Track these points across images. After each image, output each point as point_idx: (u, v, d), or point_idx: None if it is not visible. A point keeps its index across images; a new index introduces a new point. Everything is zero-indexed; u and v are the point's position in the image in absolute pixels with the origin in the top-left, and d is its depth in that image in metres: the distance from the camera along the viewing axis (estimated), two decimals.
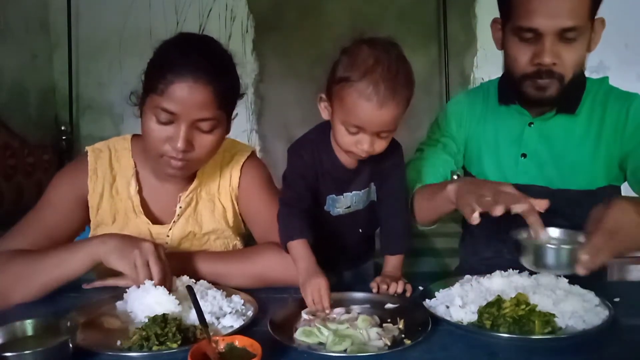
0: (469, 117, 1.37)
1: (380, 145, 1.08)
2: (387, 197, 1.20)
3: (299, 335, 0.87)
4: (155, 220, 1.20)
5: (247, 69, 3.51)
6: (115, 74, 3.36)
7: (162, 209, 1.21)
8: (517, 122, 1.28)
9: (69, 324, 0.83)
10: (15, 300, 1.04)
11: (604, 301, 0.93)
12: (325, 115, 1.14)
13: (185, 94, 1.02)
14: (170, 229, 1.20)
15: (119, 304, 0.98)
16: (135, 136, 1.24)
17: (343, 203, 1.20)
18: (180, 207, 1.19)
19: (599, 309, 0.91)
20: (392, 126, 1.05)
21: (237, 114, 1.14)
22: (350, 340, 0.83)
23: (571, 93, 1.20)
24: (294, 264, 1.05)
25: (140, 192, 1.19)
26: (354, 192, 1.19)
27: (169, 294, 0.94)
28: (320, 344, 0.84)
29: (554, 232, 0.98)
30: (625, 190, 1.27)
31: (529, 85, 1.17)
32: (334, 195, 1.19)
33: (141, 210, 1.18)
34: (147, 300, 0.92)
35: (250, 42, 3.50)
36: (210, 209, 1.22)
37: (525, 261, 0.95)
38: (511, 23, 1.16)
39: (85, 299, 1.04)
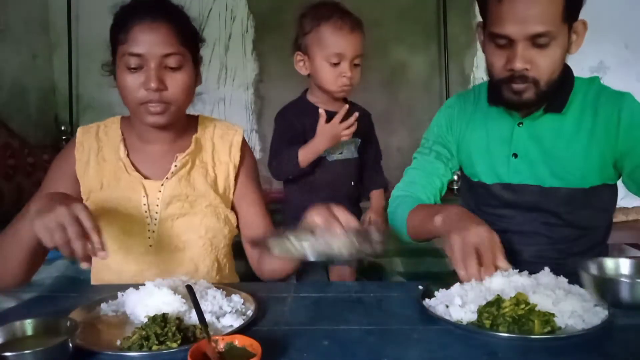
0: (459, 120, 1.38)
1: (356, 74, 1.39)
2: (365, 151, 1.56)
3: (273, 244, 0.90)
4: (144, 177, 1.23)
5: (247, 69, 3.52)
6: None
7: (151, 169, 1.23)
8: (506, 123, 1.29)
9: (69, 324, 0.83)
10: (8, 281, 1.08)
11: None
12: (303, 70, 1.42)
13: (147, 33, 1.11)
14: (162, 184, 1.21)
15: (120, 303, 0.98)
16: (124, 117, 1.30)
17: (336, 148, 1.44)
18: (176, 166, 1.22)
19: (598, 309, 0.91)
20: (361, 50, 1.37)
21: (201, 56, 1.24)
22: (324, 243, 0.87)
23: (558, 93, 1.21)
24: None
25: (128, 156, 1.23)
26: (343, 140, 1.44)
27: (174, 293, 0.93)
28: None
29: (624, 264, 0.97)
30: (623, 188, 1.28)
31: (505, 90, 1.18)
32: None
33: (132, 167, 1.21)
34: (151, 301, 0.92)
35: (250, 42, 3.51)
36: (203, 175, 1.25)
37: (598, 296, 0.93)
38: (487, 29, 1.17)
39: (85, 299, 1.04)
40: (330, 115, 1.42)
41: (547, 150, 1.25)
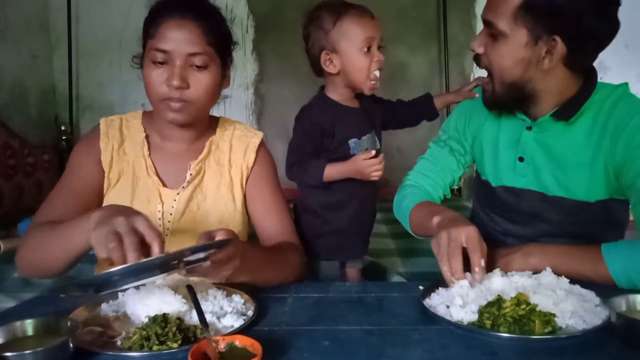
0: (479, 114, 1.35)
1: (383, 57, 1.41)
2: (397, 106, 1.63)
3: None
4: (162, 184, 1.22)
5: (247, 69, 3.52)
6: (115, 74, 3.36)
7: (168, 174, 1.23)
8: (516, 125, 1.26)
9: (69, 324, 0.83)
10: (44, 272, 1.09)
11: (604, 301, 0.93)
12: (331, 68, 1.40)
13: (175, 31, 1.11)
14: (178, 194, 1.21)
15: (120, 304, 0.98)
16: (145, 111, 1.30)
17: (362, 145, 1.44)
18: (191, 174, 1.21)
19: (599, 309, 0.91)
20: (381, 33, 1.41)
21: (232, 59, 1.25)
22: None
23: (569, 101, 1.16)
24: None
25: (149, 155, 1.23)
26: (367, 134, 1.45)
27: (175, 293, 0.94)
28: None
29: None
30: None
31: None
32: (356, 139, 1.43)
33: (155, 171, 1.21)
34: (152, 301, 0.92)
35: (250, 42, 3.51)
36: (218, 181, 1.25)
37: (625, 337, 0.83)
38: None
39: (85, 299, 1.03)
40: (348, 111, 1.45)
41: (554, 158, 1.21)
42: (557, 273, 1.02)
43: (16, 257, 1.12)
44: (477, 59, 1.20)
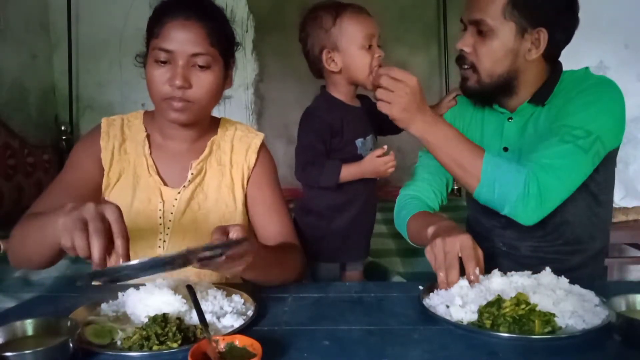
0: (461, 117, 1.41)
1: (383, 53, 1.41)
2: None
3: None
4: (163, 183, 1.23)
5: (247, 69, 3.52)
6: (115, 74, 3.36)
7: (169, 173, 1.23)
8: (498, 118, 1.33)
9: (69, 324, 0.83)
10: (29, 264, 1.09)
11: (604, 301, 0.93)
12: (333, 66, 1.40)
13: (178, 31, 1.12)
14: (179, 192, 1.21)
15: (120, 304, 0.98)
16: (146, 111, 1.30)
17: (367, 145, 1.46)
18: (192, 174, 1.22)
19: (599, 309, 0.91)
20: (379, 31, 1.42)
21: (234, 60, 1.28)
22: None
23: (542, 87, 1.26)
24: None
25: (150, 155, 1.23)
26: (370, 135, 1.47)
27: (175, 293, 0.94)
28: None
29: None
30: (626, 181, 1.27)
31: (461, 74, 1.30)
32: (362, 139, 1.44)
33: (155, 170, 1.21)
34: (152, 301, 0.92)
35: (250, 42, 3.51)
36: (219, 180, 1.25)
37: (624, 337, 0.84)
38: None
39: (86, 299, 1.04)
40: (353, 111, 1.45)
41: (533, 142, 1.25)
42: (439, 155, 1.19)
43: (8, 248, 1.11)
44: (461, 59, 1.28)
